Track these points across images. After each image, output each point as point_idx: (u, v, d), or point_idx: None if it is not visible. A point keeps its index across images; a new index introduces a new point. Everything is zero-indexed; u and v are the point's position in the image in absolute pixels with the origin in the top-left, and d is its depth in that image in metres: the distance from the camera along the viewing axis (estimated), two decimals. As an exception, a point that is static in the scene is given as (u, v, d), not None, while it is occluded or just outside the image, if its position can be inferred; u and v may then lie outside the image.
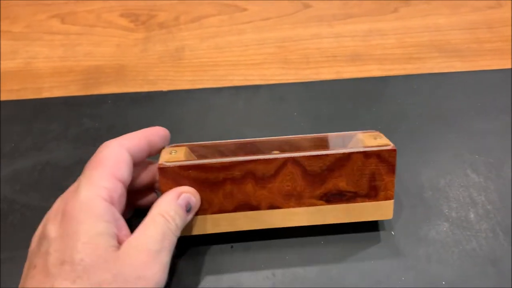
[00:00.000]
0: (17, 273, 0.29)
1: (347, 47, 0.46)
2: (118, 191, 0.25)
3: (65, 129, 0.38)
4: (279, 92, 0.41)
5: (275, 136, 0.31)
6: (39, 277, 0.22)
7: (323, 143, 0.31)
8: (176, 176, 0.27)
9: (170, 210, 0.26)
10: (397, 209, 0.31)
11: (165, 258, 0.24)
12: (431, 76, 0.42)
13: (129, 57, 0.45)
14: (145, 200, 0.31)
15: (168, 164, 0.27)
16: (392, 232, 0.30)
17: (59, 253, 0.22)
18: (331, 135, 0.31)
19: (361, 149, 0.27)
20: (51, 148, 0.37)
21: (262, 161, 0.27)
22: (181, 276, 0.29)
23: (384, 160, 0.27)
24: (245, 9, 0.51)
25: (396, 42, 0.46)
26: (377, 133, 0.30)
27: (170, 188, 0.27)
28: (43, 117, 0.39)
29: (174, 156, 0.28)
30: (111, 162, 0.25)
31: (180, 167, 0.27)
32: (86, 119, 0.39)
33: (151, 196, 0.31)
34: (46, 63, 0.45)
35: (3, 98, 0.41)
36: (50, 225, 0.23)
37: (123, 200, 0.25)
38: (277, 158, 0.27)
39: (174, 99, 0.41)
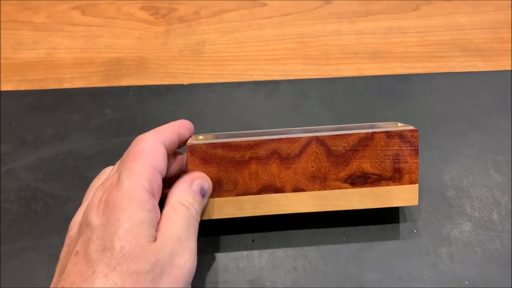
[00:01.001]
0: (41, 259, 0.30)
1: (367, 44, 0.46)
2: (158, 182, 0.25)
3: (88, 119, 0.38)
4: (300, 88, 0.41)
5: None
6: (81, 263, 0.22)
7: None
8: (203, 154, 0.28)
9: (187, 197, 0.26)
10: (419, 207, 0.31)
11: (193, 244, 0.25)
12: (453, 75, 0.42)
13: (149, 50, 0.46)
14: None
15: (196, 142, 0.28)
16: (414, 230, 0.30)
17: (101, 240, 0.22)
18: (354, 125, 0.31)
19: (384, 129, 0.28)
20: (74, 138, 0.37)
21: (287, 140, 0.28)
22: (201, 269, 0.29)
23: (406, 140, 0.28)
24: (265, 4, 0.51)
25: (417, 40, 0.46)
26: (398, 123, 0.31)
27: (198, 167, 0.28)
28: (66, 107, 0.39)
29: (202, 139, 0.29)
30: (150, 155, 0.25)
31: (208, 144, 0.28)
32: (108, 110, 0.39)
33: None
34: (67, 54, 0.46)
35: (26, 87, 0.42)
36: (93, 213, 0.23)
37: (161, 191, 0.26)
38: (301, 137, 0.28)
39: (195, 93, 0.41)
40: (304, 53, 0.45)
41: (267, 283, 0.28)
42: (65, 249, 0.25)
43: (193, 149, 0.28)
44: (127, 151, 0.26)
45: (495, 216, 0.31)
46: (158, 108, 0.39)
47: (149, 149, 0.26)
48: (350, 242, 0.30)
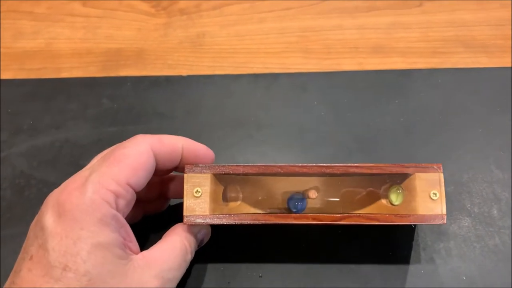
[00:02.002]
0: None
1: (369, 39, 0.45)
2: (128, 198, 0.23)
3: (84, 108, 0.38)
4: (299, 81, 0.40)
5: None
6: (36, 272, 0.21)
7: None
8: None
9: (192, 241, 0.25)
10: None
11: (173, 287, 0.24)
12: (455, 70, 0.41)
13: (149, 42, 0.45)
14: (155, 208, 0.30)
15: (194, 221, 0.25)
16: (412, 225, 0.30)
17: (60, 256, 0.21)
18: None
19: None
20: (70, 127, 0.37)
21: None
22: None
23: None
24: (266, -2, 0.50)
25: (420, 36, 0.45)
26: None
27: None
28: (63, 96, 0.39)
29: (199, 201, 0.25)
30: (132, 165, 0.23)
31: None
32: (106, 100, 0.39)
33: (163, 204, 0.30)
34: (66, 44, 0.45)
35: (24, 76, 0.42)
36: (49, 216, 0.22)
37: (131, 205, 0.24)
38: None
39: (193, 84, 0.40)
40: (305, 47, 0.44)
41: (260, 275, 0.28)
42: (24, 243, 0.23)
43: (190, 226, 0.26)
44: (116, 146, 0.25)
45: (495, 212, 0.30)
46: (156, 98, 0.39)
47: (135, 157, 0.23)
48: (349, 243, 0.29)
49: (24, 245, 0.23)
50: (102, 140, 0.36)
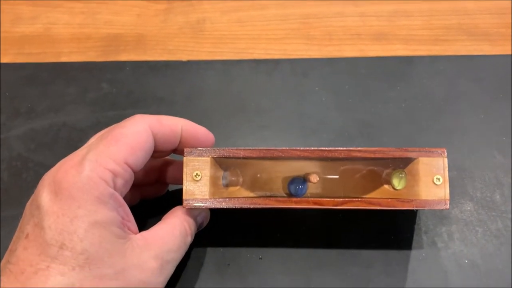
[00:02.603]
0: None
1: (371, 26, 0.45)
2: (125, 177, 0.23)
3: (83, 92, 0.38)
4: (301, 67, 0.40)
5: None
6: (32, 251, 0.20)
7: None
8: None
9: (191, 224, 0.25)
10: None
11: (171, 270, 0.23)
12: (457, 58, 0.41)
13: (149, 27, 0.45)
14: (154, 192, 0.30)
15: (194, 204, 0.25)
16: (415, 209, 0.29)
17: (57, 234, 0.20)
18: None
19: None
20: (68, 111, 0.36)
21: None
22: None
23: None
24: (268, -14, 0.50)
25: (422, 23, 0.45)
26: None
27: None
28: (62, 80, 0.39)
29: (199, 185, 0.25)
30: (130, 145, 0.23)
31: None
32: (105, 84, 0.38)
33: (161, 188, 0.30)
34: (65, 29, 0.45)
35: (22, 60, 0.41)
36: (45, 194, 0.21)
37: (129, 185, 0.24)
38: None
39: (193, 69, 0.40)
40: (307, 33, 0.44)
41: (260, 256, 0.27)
42: (20, 223, 0.23)
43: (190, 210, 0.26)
44: (114, 125, 0.24)
45: (498, 196, 0.30)
46: (155, 83, 0.39)
47: (133, 137, 0.23)
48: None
49: (19, 224, 0.23)
50: (101, 124, 0.35)
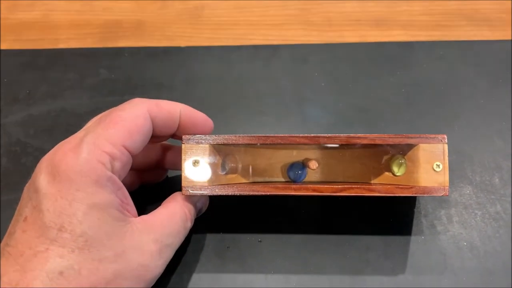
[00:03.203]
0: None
1: (371, 12, 0.44)
2: (123, 160, 0.23)
3: (81, 78, 0.37)
4: (300, 53, 0.40)
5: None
6: (31, 234, 0.20)
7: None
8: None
9: (191, 209, 0.25)
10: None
11: (170, 254, 0.23)
12: (458, 43, 0.40)
13: (147, 13, 0.45)
14: (153, 178, 0.30)
15: (192, 191, 0.25)
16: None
17: (55, 216, 0.20)
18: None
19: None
20: (67, 96, 0.36)
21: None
22: (205, 268, 0.28)
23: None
24: (267, -28, 0.49)
25: (422, 9, 0.45)
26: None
27: None
28: (59, 66, 0.38)
29: (198, 172, 0.25)
30: (128, 128, 0.23)
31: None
32: (103, 70, 0.38)
33: (160, 174, 0.30)
34: (63, 15, 0.44)
35: (20, 47, 0.41)
36: (42, 177, 0.21)
37: (127, 169, 0.24)
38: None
39: (192, 55, 0.40)
40: (306, 19, 0.44)
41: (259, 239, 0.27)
42: (18, 206, 0.23)
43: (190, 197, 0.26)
44: (112, 108, 0.24)
45: (497, 180, 0.30)
46: (153, 69, 0.39)
47: (131, 120, 0.23)
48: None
49: (18, 207, 0.23)
50: (99, 110, 0.34)
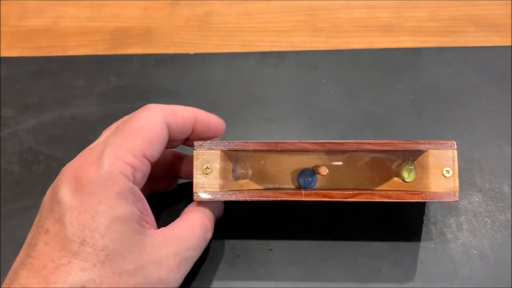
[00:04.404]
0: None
1: (379, 18, 0.44)
2: (144, 170, 0.23)
3: (91, 86, 0.38)
4: (308, 59, 0.40)
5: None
6: (53, 246, 0.21)
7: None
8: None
9: (211, 220, 0.25)
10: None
11: (190, 266, 0.24)
12: (465, 49, 0.40)
13: (156, 20, 0.45)
14: (163, 186, 0.30)
15: (204, 197, 0.25)
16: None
17: (78, 230, 0.20)
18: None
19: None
20: (77, 104, 0.36)
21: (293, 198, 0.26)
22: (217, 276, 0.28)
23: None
24: (274, -22, 0.50)
25: (430, 15, 0.45)
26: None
27: None
28: (69, 73, 0.39)
29: (209, 178, 0.25)
30: (146, 137, 0.23)
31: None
32: (113, 77, 0.38)
33: (171, 182, 0.30)
34: (73, 23, 0.45)
35: (30, 54, 0.41)
36: (65, 190, 0.21)
37: (146, 178, 0.24)
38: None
39: (200, 62, 0.40)
40: (314, 25, 0.44)
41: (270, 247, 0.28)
42: (37, 218, 0.23)
43: (201, 203, 0.26)
44: (127, 117, 0.24)
45: (506, 188, 0.30)
46: (162, 76, 0.39)
47: (149, 129, 0.23)
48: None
49: (37, 218, 0.23)
50: (109, 117, 0.35)
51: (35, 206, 0.30)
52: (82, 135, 0.34)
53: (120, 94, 0.37)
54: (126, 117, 0.24)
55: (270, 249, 0.28)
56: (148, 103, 0.37)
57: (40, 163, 0.32)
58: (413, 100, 0.36)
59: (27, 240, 0.22)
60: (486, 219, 0.28)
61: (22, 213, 0.30)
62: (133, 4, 0.47)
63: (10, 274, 0.21)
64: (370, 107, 0.36)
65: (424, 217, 0.28)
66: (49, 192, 0.23)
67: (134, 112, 0.24)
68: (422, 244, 0.27)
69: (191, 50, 0.42)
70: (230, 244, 0.28)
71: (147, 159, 0.23)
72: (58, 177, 0.23)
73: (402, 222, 0.28)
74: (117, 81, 0.38)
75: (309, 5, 0.46)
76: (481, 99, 0.36)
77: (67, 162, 0.33)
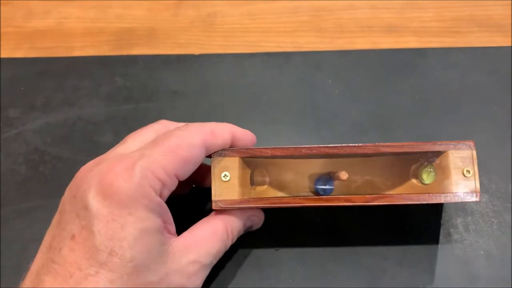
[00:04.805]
0: (48, 219, 0.29)
1: (383, 18, 0.44)
2: (171, 188, 0.23)
3: (97, 86, 0.38)
4: (313, 60, 0.40)
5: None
6: (80, 254, 0.20)
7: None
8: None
9: (235, 228, 0.25)
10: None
11: (208, 272, 0.24)
12: (470, 49, 0.40)
13: (160, 21, 0.45)
14: (178, 190, 0.29)
15: (223, 206, 0.25)
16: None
17: (106, 239, 0.20)
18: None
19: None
20: (83, 104, 0.36)
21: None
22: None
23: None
24: (278, -22, 0.50)
25: (434, 15, 0.45)
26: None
27: None
28: (75, 74, 0.39)
29: (227, 185, 0.25)
30: (183, 157, 0.23)
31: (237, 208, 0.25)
32: (118, 78, 0.38)
33: (185, 187, 0.30)
34: (78, 23, 0.45)
35: (36, 55, 0.41)
36: (93, 195, 0.21)
37: (170, 193, 0.24)
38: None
39: (205, 63, 0.40)
40: (318, 26, 0.44)
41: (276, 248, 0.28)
42: (57, 216, 0.22)
43: (220, 211, 0.25)
44: (168, 132, 0.23)
45: (513, 188, 0.30)
46: (168, 77, 0.39)
47: (188, 150, 0.23)
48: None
49: (58, 219, 0.22)
50: (116, 117, 0.35)
51: (42, 206, 0.30)
52: (88, 136, 0.34)
53: (126, 95, 0.37)
54: (168, 131, 0.24)
55: (277, 250, 0.28)
56: (154, 104, 0.38)
57: (46, 164, 0.32)
58: (418, 100, 0.36)
59: (47, 242, 0.22)
60: (492, 219, 0.28)
61: (28, 213, 0.30)
62: (137, 5, 0.47)
63: (31, 276, 0.21)
64: (375, 107, 0.36)
65: (431, 218, 0.28)
66: (70, 193, 0.22)
67: (175, 129, 0.24)
68: (429, 245, 0.27)
69: (196, 51, 0.42)
70: (237, 245, 0.28)
71: (177, 178, 0.23)
72: (81, 178, 0.22)
73: (409, 224, 0.28)
74: (123, 82, 0.38)
75: (312, 6, 0.46)
76: (486, 100, 0.36)
77: (73, 162, 0.33)
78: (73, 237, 0.21)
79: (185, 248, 0.22)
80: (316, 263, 0.27)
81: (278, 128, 0.35)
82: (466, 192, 0.24)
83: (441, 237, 0.28)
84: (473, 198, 0.24)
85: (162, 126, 0.25)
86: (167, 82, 0.38)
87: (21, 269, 0.22)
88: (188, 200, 0.28)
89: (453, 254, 0.27)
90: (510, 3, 0.46)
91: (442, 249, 0.27)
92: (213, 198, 0.24)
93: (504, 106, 0.35)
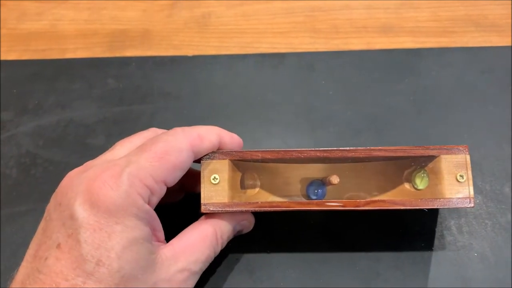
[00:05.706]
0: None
1: (378, 18, 0.44)
2: (160, 195, 0.23)
3: (89, 88, 0.38)
4: (307, 60, 0.40)
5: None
6: (66, 264, 0.20)
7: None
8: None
9: (225, 233, 0.24)
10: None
11: (198, 278, 0.23)
12: (466, 49, 0.40)
13: (154, 22, 0.45)
14: (169, 198, 0.29)
15: (212, 209, 0.24)
16: (425, 209, 0.29)
17: (93, 249, 0.20)
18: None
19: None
20: (75, 107, 0.36)
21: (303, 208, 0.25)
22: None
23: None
24: (273, -21, 0.50)
25: (430, 15, 0.44)
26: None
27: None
28: (68, 76, 0.39)
29: (217, 188, 0.24)
30: (171, 163, 0.22)
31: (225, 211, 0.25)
32: (111, 80, 0.38)
33: (177, 195, 0.29)
34: (71, 25, 0.45)
35: (28, 57, 0.41)
36: (79, 202, 0.20)
37: (159, 200, 0.23)
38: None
39: (199, 64, 0.40)
40: (313, 26, 0.44)
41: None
42: (42, 224, 0.22)
43: (209, 214, 0.25)
44: (154, 138, 0.23)
45: (507, 189, 0.30)
46: (161, 78, 0.39)
47: (175, 156, 0.22)
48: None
49: (43, 227, 0.22)
50: (108, 120, 0.35)
51: (33, 210, 0.30)
52: (81, 138, 0.34)
53: (119, 97, 0.37)
54: (152, 134, 0.24)
55: (268, 252, 0.28)
56: (148, 105, 0.37)
57: (37, 167, 0.32)
58: (413, 101, 0.36)
59: (32, 251, 0.21)
60: (486, 221, 0.28)
61: (20, 217, 0.30)
62: (131, 7, 0.47)
63: (16, 285, 0.21)
64: (370, 109, 0.36)
65: (424, 220, 0.28)
66: (55, 200, 0.22)
67: (162, 134, 0.23)
68: (422, 247, 0.27)
69: (190, 52, 0.41)
70: (228, 248, 0.28)
71: (165, 184, 0.23)
72: (67, 185, 0.22)
73: (402, 226, 0.28)
74: (116, 84, 0.38)
75: (307, 6, 0.46)
76: (482, 100, 0.36)
77: (65, 165, 0.33)
78: (59, 246, 0.20)
79: (173, 256, 0.22)
80: (308, 266, 0.27)
81: (272, 130, 0.35)
82: (459, 198, 0.23)
83: (434, 239, 0.27)
84: (467, 204, 0.23)
85: (152, 133, 0.25)
86: (161, 84, 0.38)
87: (12, 274, 0.22)
88: (179, 206, 0.28)
89: (446, 256, 0.27)
90: (506, 2, 0.45)
91: (436, 251, 0.27)
92: (202, 201, 0.24)
93: (499, 106, 0.35)
